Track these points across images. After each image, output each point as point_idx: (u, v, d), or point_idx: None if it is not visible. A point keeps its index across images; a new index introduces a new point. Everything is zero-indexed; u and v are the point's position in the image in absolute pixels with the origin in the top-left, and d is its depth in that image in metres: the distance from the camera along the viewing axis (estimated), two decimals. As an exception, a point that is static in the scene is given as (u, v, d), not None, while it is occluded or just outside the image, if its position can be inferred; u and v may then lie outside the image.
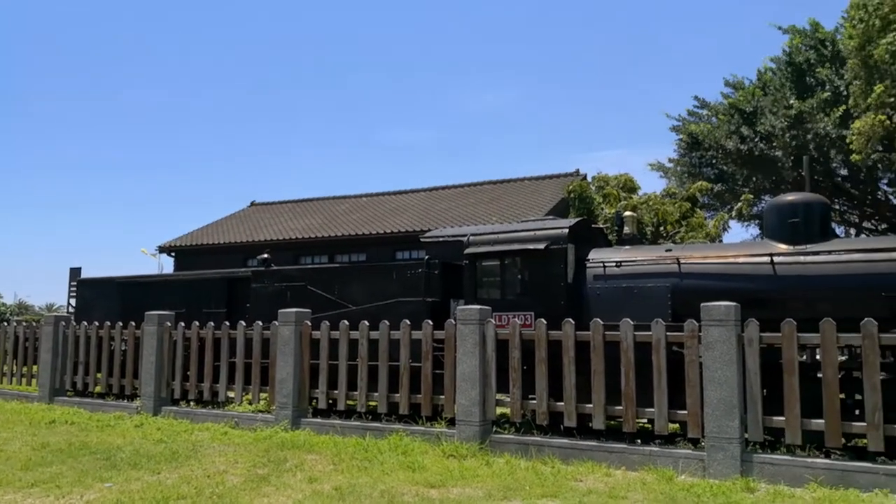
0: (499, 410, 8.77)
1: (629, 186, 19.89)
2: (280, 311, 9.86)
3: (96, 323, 12.25)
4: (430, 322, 8.82)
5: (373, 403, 9.33)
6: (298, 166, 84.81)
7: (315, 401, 9.65)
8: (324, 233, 24.73)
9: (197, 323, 10.93)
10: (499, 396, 8.46)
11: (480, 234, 10.58)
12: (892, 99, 17.36)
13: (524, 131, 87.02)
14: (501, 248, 10.12)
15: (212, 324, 10.83)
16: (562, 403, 7.86)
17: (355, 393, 9.26)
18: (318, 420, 9.41)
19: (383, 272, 11.07)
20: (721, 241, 20.52)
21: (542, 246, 9.80)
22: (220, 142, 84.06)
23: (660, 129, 76.03)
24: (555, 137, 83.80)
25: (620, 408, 7.57)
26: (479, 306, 8.50)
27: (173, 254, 28.22)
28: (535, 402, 8.07)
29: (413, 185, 29.95)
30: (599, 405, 7.65)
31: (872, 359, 6.54)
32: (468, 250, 10.36)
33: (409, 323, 8.91)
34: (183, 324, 11.03)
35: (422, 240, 11.57)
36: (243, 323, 10.47)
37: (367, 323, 9.27)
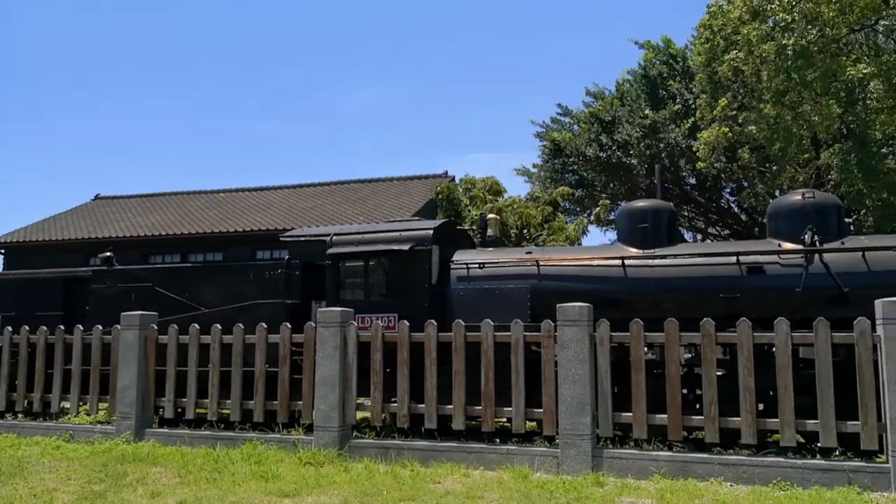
0: (360, 415, 8.62)
1: (495, 189, 20.36)
2: (123, 314, 9.19)
3: None
4: (289, 325, 8.52)
5: (226, 411, 8.89)
6: (150, 158, 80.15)
7: (161, 410, 9.08)
8: (176, 230, 23.38)
9: (27, 327, 9.98)
10: (361, 400, 8.32)
11: (344, 235, 10.37)
12: (733, 112, 18.86)
13: (396, 132, 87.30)
14: (365, 248, 9.97)
15: (44, 328, 9.91)
16: (423, 406, 7.82)
17: (206, 401, 8.78)
18: (165, 430, 8.86)
19: (239, 273, 10.59)
20: (580, 244, 21.40)
21: (406, 247, 9.75)
22: (62, 128, 77.81)
23: (527, 135, 78.63)
24: (426, 139, 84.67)
25: (481, 408, 7.63)
26: (340, 308, 8.33)
27: (3, 251, 25.72)
28: (396, 405, 7.99)
29: (278, 182, 28.97)
30: (459, 406, 7.68)
31: (710, 356, 6.97)
32: (331, 250, 10.12)
33: (265, 326, 8.56)
34: (10, 328, 10.03)
35: (282, 239, 11.19)
36: (81, 327, 9.66)
37: (219, 326, 8.83)
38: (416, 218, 13.40)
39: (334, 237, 10.28)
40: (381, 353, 8.00)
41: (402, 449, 7.66)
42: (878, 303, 6.47)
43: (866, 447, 6.43)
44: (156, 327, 9.09)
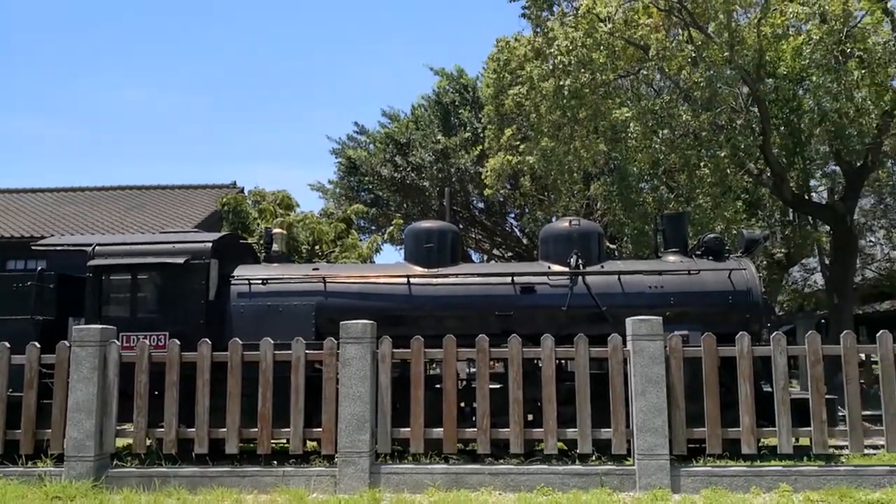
0: (124, 441, 7.90)
1: (286, 203, 19.91)
2: None
3: None
4: (38, 344, 7.59)
5: (-43, 444, 7.68)
6: None
7: None
8: None
9: None
10: (125, 426, 7.63)
11: (109, 245, 9.50)
12: (517, 143, 20.14)
13: (181, 137, 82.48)
14: (134, 260, 9.21)
15: None
16: (194, 430, 7.35)
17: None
18: None
19: (-20, 285, 9.27)
20: (374, 262, 21.61)
21: (181, 260, 9.17)
22: None
23: (324, 150, 78.16)
24: (214, 147, 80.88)
25: (257, 430, 7.33)
26: (101, 326, 7.59)
27: None
28: (163, 429, 7.41)
29: (36, 184, 25.88)
30: (234, 428, 7.31)
31: (484, 370, 7.28)
32: (93, 262, 9.22)
33: (8, 345, 7.55)
34: None
35: (33, 247, 9.99)
36: None
37: (-52, 347, 7.64)
38: (195, 230, 12.66)
39: (97, 247, 9.38)
40: (146, 374, 7.39)
41: (167, 476, 7.11)
42: (628, 321, 7.16)
43: (617, 451, 7.05)
44: None
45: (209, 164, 76.82)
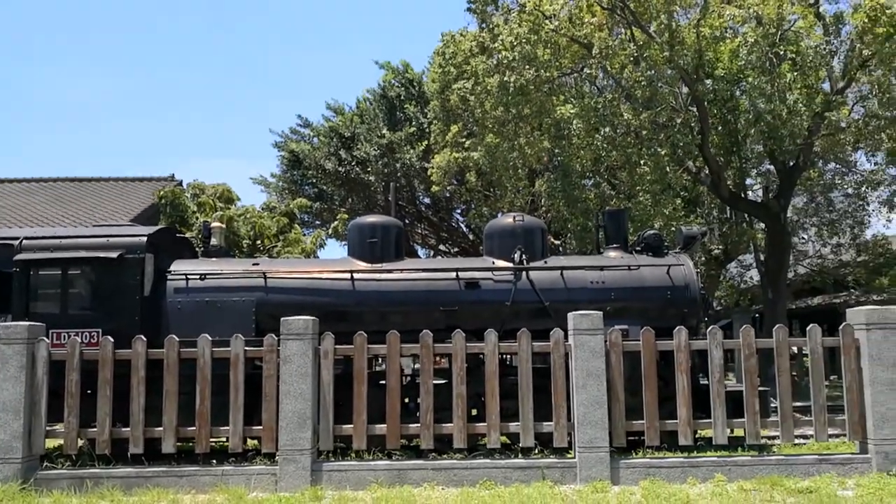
0: (55, 442, 7.60)
1: (227, 197, 19.45)
2: None
3: None
4: (-41, 343, 7.22)
5: None
6: None
7: None
8: None
9: None
10: (56, 426, 7.34)
11: (37, 239, 9.14)
12: (463, 139, 20.16)
13: (117, 129, 79.97)
14: (64, 255, 8.88)
15: None
16: (129, 429, 7.13)
17: None
18: None
19: None
20: (318, 257, 21.31)
21: (114, 255, 8.88)
22: None
23: (266, 144, 76.91)
24: (155, 140, 78.71)
25: (195, 428, 7.15)
26: (28, 323, 7.28)
27: None
28: (96, 429, 7.17)
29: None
30: (170, 427, 7.12)
31: (427, 365, 7.26)
32: (20, 256, 8.85)
33: (-72, 344, 7.16)
34: None
35: None
36: None
37: None
38: (131, 223, 12.28)
39: (24, 241, 9.02)
40: (78, 372, 7.13)
41: (100, 478, 6.89)
42: (570, 315, 7.23)
43: (558, 445, 7.13)
44: None
45: (146, 158, 74.77)
